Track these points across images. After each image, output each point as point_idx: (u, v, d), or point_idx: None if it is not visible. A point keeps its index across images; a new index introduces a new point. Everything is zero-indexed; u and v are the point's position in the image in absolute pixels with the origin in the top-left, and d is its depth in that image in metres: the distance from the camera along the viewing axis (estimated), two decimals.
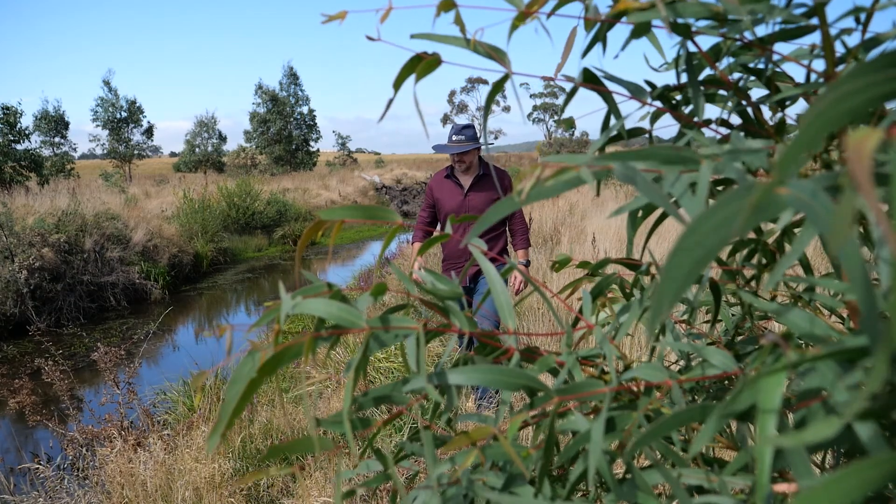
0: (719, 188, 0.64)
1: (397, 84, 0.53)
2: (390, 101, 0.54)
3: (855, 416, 0.31)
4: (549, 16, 0.58)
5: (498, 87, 0.55)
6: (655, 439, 0.44)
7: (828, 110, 0.26)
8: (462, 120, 50.80)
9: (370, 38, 0.57)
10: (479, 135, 3.70)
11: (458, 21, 0.55)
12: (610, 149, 0.66)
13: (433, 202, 3.72)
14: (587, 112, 0.69)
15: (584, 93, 0.62)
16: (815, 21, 0.53)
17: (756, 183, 0.30)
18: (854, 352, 0.32)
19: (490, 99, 0.56)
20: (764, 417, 0.34)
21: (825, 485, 0.25)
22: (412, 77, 0.54)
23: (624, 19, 0.55)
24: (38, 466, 2.88)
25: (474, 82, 51.16)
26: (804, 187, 0.29)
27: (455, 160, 3.55)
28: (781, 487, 0.43)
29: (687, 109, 0.64)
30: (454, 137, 3.57)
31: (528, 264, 3.66)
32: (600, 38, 0.58)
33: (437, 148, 3.64)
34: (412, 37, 0.57)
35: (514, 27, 0.56)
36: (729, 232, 0.29)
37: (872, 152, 0.24)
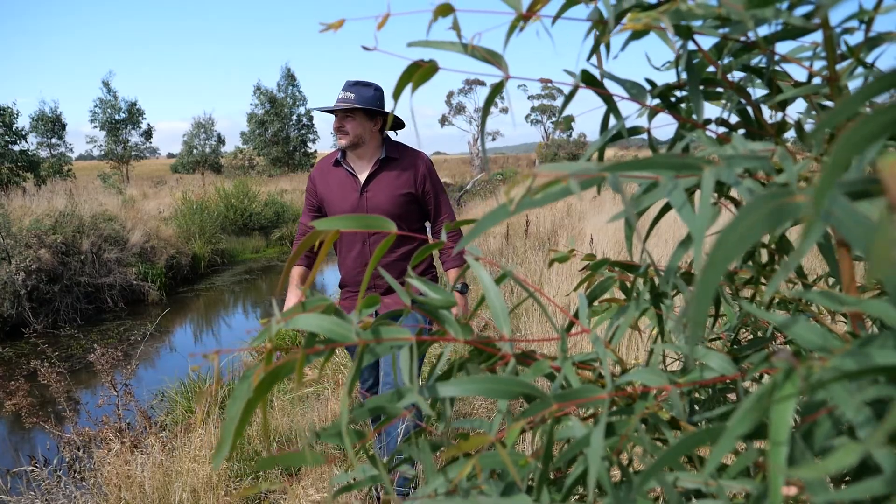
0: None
1: (396, 94, 0.53)
2: (392, 112, 0.54)
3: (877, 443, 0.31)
4: (554, 20, 0.58)
5: (496, 90, 0.55)
6: (667, 465, 0.43)
7: (854, 134, 0.26)
8: (460, 121, 50.57)
9: (366, 48, 0.57)
10: (382, 100, 2.38)
11: (456, 26, 0.54)
12: (610, 149, 0.66)
13: (317, 204, 2.52)
14: (585, 111, 0.69)
15: (581, 92, 0.61)
16: (816, 21, 0.53)
17: (782, 193, 0.29)
18: (870, 371, 0.32)
19: (488, 102, 0.55)
20: (776, 447, 0.33)
21: None
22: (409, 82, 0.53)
23: (624, 21, 0.55)
24: (34, 468, 2.86)
25: (472, 84, 51.19)
26: (840, 204, 0.29)
27: (335, 127, 2.38)
28: (784, 490, 0.42)
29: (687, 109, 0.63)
30: (340, 95, 2.35)
31: (465, 290, 2.42)
32: (603, 41, 0.58)
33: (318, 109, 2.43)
34: (409, 45, 0.56)
35: (512, 29, 0.55)
36: (752, 241, 0.29)
37: None
